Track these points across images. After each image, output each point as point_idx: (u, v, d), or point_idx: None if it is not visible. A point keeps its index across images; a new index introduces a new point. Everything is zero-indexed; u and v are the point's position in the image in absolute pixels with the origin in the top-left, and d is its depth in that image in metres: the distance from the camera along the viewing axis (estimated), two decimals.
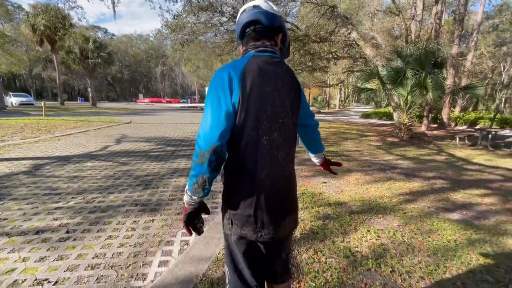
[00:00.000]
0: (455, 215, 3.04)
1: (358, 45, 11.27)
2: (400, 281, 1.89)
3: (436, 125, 13.14)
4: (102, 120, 12.86)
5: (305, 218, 2.85)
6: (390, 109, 15.44)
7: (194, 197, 0.96)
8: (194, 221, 1.01)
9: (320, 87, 33.51)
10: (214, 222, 2.73)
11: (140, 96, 48.74)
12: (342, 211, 3.06)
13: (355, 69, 17.72)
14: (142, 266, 2.00)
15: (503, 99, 18.81)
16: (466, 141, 8.35)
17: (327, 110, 31.59)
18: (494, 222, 2.87)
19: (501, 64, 18.05)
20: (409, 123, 8.94)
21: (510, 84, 17.75)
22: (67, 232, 2.46)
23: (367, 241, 2.41)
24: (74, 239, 2.34)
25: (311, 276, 1.90)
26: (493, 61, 18.01)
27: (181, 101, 47.34)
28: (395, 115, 9.78)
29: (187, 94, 58.58)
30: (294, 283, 1.82)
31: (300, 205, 3.16)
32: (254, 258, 1.05)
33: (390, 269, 2.01)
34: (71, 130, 9.01)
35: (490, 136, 7.71)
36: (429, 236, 2.53)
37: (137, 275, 1.90)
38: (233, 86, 0.91)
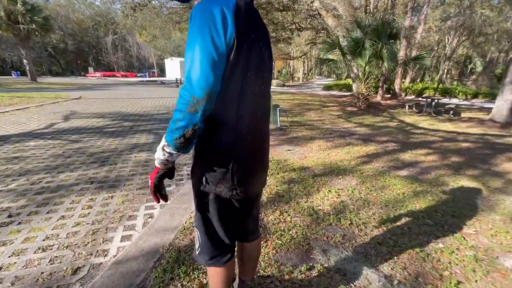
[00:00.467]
0: (404, 172, 3.38)
1: (320, 15, 11.22)
2: (357, 231, 2.07)
3: (389, 95, 14.15)
4: (46, 96, 11.32)
5: (271, 183, 2.92)
6: (349, 81, 16.12)
7: (174, 154, 0.84)
8: (163, 186, 0.93)
9: (284, 59, 33.36)
10: (180, 194, 2.66)
11: (90, 70, 43.51)
12: (306, 175, 3.20)
13: (317, 41, 17.82)
14: (103, 243, 1.89)
15: (446, 70, 20.78)
16: (414, 109, 9.19)
17: (291, 83, 31.85)
18: (435, 176, 3.27)
19: (446, 37, 19.63)
20: (367, 93, 9.46)
21: (452, 56, 19.57)
22: (9, 216, 2.19)
23: (328, 200, 2.58)
24: (19, 223, 2.10)
25: (278, 235, 1.98)
26: (439, 34, 19.51)
27: (138, 75, 43.56)
28: (354, 86, 10.24)
29: (145, 67, 53.99)
30: (262, 242, 1.88)
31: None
32: (228, 216, 1.01)
33: (349, 222, 2.19)
34: (6, 107, 7.79)
35: (433, 104, 8.57)
36: (382, 191, 2.79)
37: (97, 252, 1.79)
38: (227, 25, 0.76)
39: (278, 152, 4.18)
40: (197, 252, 1.06)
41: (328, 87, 20.62)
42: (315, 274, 1.57)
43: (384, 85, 13.28)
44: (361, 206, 2.47)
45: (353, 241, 1.93)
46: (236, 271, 1.37)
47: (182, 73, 13.44)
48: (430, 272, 1.63)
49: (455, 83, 20.40)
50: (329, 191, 2.76)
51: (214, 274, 1.07)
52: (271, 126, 5.94)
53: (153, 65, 49.23)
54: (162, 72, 47.45)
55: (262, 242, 1.88)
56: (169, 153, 0.84)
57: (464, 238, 1.99)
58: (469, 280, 1.58)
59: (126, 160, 3.65)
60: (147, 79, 31.07)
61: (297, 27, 14.64)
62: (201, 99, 0.76)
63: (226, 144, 0.89)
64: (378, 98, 12.32)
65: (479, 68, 22.13)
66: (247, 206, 1.08)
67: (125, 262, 1.63)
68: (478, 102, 12.71)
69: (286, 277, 1.55)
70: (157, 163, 0.88)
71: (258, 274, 1.57)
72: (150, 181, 0.91)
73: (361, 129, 6.11)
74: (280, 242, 1.89)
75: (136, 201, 2.51)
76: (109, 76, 38.91)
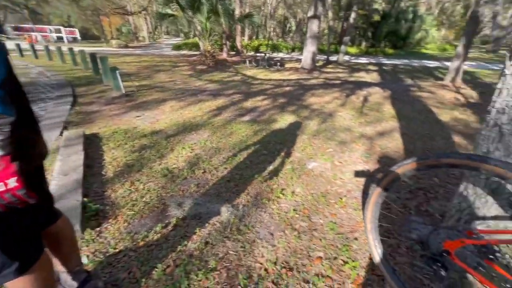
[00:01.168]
0: (247, 117, 3.89)
1: None
2: (210, 177, 2.23)
3: (234, 53, 15.32)
4: None
5: (118, 156, 2.56)
6: (198, 39, 15.92)
7: None
8: None
9: (120, 14, 27.86)
10: None
11: None
12: (159, 138, 3.02)
13: None
14: None
15: (272, 28, 24.59)
16: (253, 63, 10.49)
17: (135, 44, 27.72)
18: (268, 116, 3.98)
19: None
20: (212, 51, 9.74)
21: (274, 15, 23.15)
22: None
23: (183, 156, 2.59)
24: None
25: (129, 206, 1.81)
26: None
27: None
28: (201, 44, 10.21)
29: None
30: (110, 220, 1.67)
31: (111, 145, 2.79)
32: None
33: (202, 171, 2.32)
34: None
35: (266, 58, 10.11)
36: (230, 137, 3.10)
37: None
38: None
39: (124, 121, 3.65)
40: None
41: (177, 47, 19.55)
42: (171, 229, 1.59)
43: (228, 43, 14.12)
44: (213, 154, 2.66)
45: (207, 186, 2.08)
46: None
47: None
48: (265, 189, 2.05)
49: (280, 40, 24.74)
50: (183, 148, 2.76)
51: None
52: (114, 93, 5.05)
53: None
54: None
55: (110, 220, 1.66)
56: None
57: (287, 157, 2.61)
58: (289, 185, 2.12)
59: None
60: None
61: None
62: None
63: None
64: (224, 55, 13.04)
65: (294, 27, 27.69)
66: None
67: None
68: (295, 54, 16.19)
69: (141, 243, 1.48)
70: None
71: (108, 254, 1.40)
72: None
73: (211, 85, 6.35)
74: (133, 212, 1.75)
75: None
76: None
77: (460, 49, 6.47)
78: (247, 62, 10.25)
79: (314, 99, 5.08)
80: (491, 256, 0.89)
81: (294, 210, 1.80)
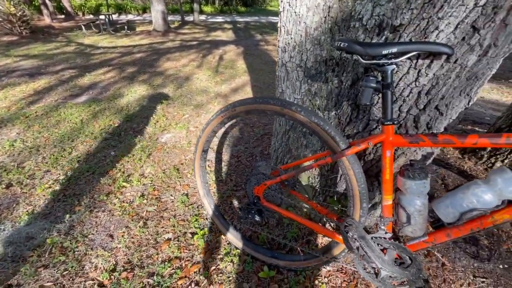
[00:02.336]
0: (83, 98, 3.08)
1: None
2: (20, 190, 1.61)
3: (63, 16, 11.73)
4: None
5: None
6: None
7: None
8: None
9: None
10: None
11: None
12: None
13: None
14: None
15: None
16: (93, 28, 8.41)
17: None
18: (113, 91, 3.29)
19: None
20: (20, 13, 6.99)
21: None
22: None
23: None
24: None
25: None
26: None
27: None
28: (4, 5, 7.01)
29: None
30: None
31: None
32: None
33: (6, 184, 1.64)
34: None
35: (109, 21, 8.25)
36: (56, 128, 2.36)
37: None
38: None
39: None
40: None
41: None
42: None
43: (49, 2, 10.54)
44: (27, 156, 1.94)
45: (15, 204, 1.49)
46: None
47: None
48: (105, 183, 1.67)
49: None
50: None
51: None
52: None
53: None
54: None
55: None
56: None
57: (136, 135, 2.24)
58: (136, 169, 1.82)
59: None
60: None
61: None
62: None
63: None
64: (47, 20, 9.76)
65: None
66: None
67: None
68: (148, 16, 14.15)
69: None
70: None
71: None
72: None
73: (26, 63, 4.62)
74: None
75: None
76: None
77: None
78: (83, 27, 8.07)
79: (169, 64, 4.61)
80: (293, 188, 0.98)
81: (141, 196, 1.56)
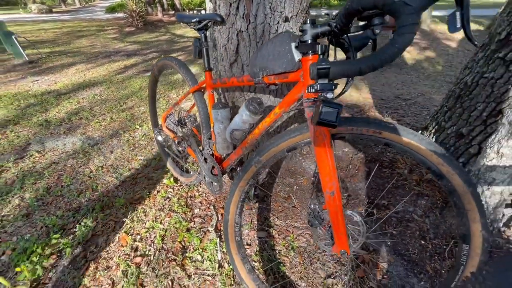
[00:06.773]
0: (147, 73, 4.06)
1: None
2: (84, 121, 2.51)
3: (173, 12, 14.33)
4: None
5: None
6: None
7: None
8: None
9: None
10: None
11: None
12: (49, 96, 3.14)
13: None
14: None
15: None
16: None
17: (63, 9, 24.28)
18: (173, 70, 4.17)
19: None
20: (139, 10, 9.13)
21: None
22: None
23: (65, 108, 2.80)
24: None
25: None
26: None
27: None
28: (129, 4, 9.44)
29: None
30: None
31: None
32: None
33: (79, 118, 2.57)
34: None
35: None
36: (123, 90, 3.31)
37: None
38: None
39: (18, 86, 3.64)
40: None
41: (111, 9, 17.70)
42: (29, 163, 1.91)
43: (164, 1, 13.14)
44: (97, 103, 2.90)
45: (78, 130, 2.37)
46: None
47: None
48: (127, 125, 2.39)
49: None
50: (70, 102, 2.95)
51: None
52: (16, 61, 4.77)
53: None
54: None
55: None
56: None
57: (167, 102, 2.93)
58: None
59: None
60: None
61: None
62: None
63: None
64: (159, 15, 12.22)
65: None
66: None
67: None
68: None
69: None
70: None
71: None
72: None
73: (131, 47, 6.20)
74: None
75: None
76: None
77: None
78: None
79: None
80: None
81: (143, 136, 2.19)
